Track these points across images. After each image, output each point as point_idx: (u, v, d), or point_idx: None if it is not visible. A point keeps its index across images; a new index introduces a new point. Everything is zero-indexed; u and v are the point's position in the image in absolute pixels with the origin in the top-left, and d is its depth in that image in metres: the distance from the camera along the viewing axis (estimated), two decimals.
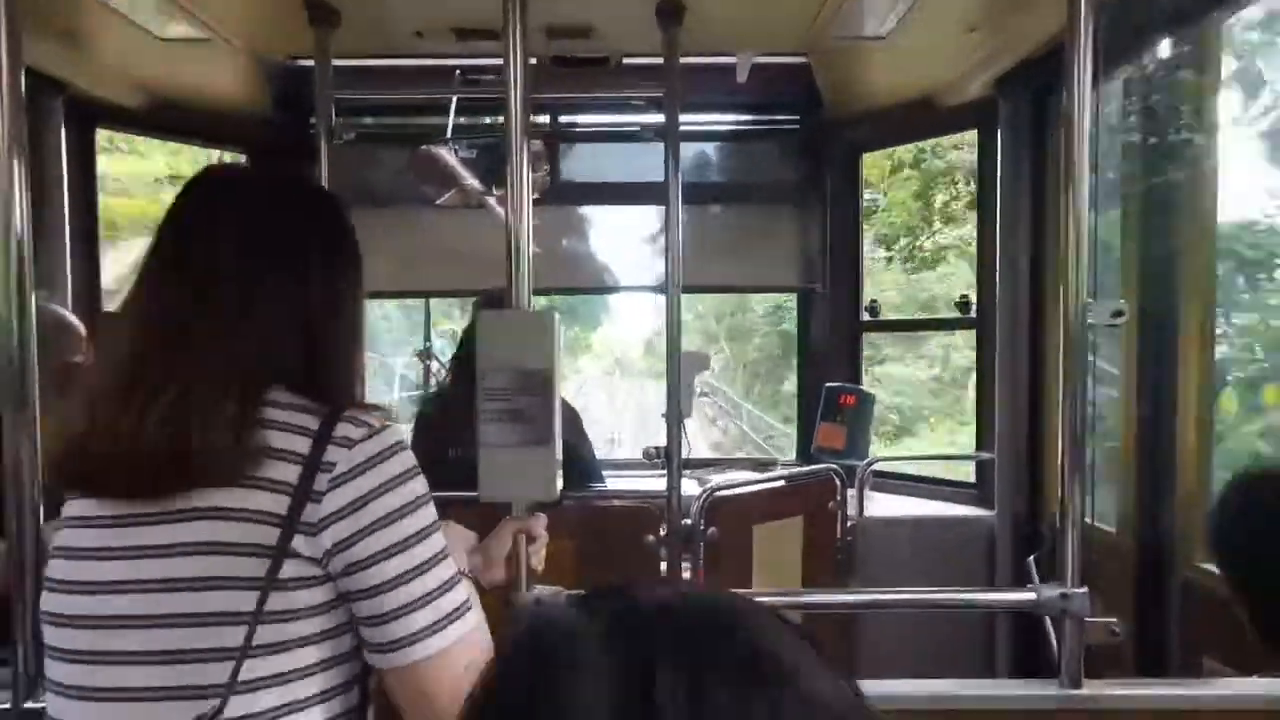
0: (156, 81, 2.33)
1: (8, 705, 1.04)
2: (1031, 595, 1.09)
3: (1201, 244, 1.57)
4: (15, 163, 1.03)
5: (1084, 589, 1.07)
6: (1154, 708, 1.06)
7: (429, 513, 0.74)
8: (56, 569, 0.73)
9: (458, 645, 0.73)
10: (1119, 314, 1.02)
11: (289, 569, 0.69)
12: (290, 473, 0.70)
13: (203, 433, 0.69)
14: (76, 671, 0.71)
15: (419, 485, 0.74)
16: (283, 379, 0.74)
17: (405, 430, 2.17)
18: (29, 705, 1.05)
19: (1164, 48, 1.63)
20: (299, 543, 0.69)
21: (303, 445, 0.71)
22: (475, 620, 0.75)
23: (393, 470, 0.72)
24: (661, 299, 1.73)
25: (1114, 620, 1.09)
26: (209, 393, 0.70)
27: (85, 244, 2.36)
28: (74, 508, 0.75)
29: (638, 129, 2.60)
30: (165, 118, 2.44)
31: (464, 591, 0.75)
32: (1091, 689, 1.07)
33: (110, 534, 0.71)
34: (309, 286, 0.77)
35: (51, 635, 0.73)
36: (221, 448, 0.69)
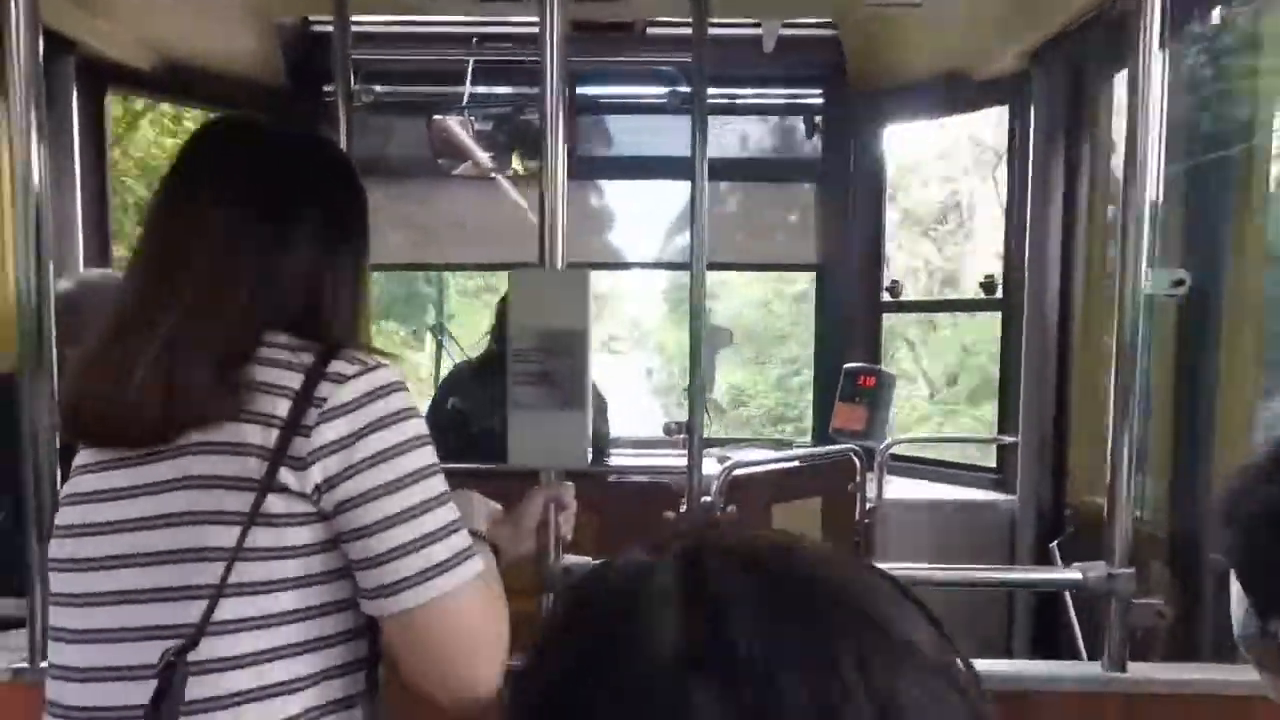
0: (169, 44, 2.28)
1: (24, 665, 1.02)
2: (1077, 575, 1.06)
3: (1254, 214, 1.52)
4: (33, 127, 1.01)
5: (1131, 569, 1.04)
6: (1202, 692, 1.03)
7: (426, 454, 0.71)
8: (61, 515, 0.73)
9: (457, 594, 0.69)
10: (1180, 283, 0.98)
11: (276, 504, 0.67)
12: (281, 406, 0.68)
13: (186, 373, 0.68)
14: (64, 615, 0.71)
15: (416, 426, 0.71)
16: (281, 325, 0.73)
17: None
18: (46, 665, 1.03)
19: (1215, 15, 1.57)
20: (287, 476, 0.67)
21: (296, 380, 0.69)
22: (478, 571, 0.71)
23: (388, 408, 0.70)
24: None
25: (1160, 601, 1.06)
26: (193, 336, 0.69)
27: (97, 207, 2.33)
28: (81, 456, 0.74)
29: (663, 100, 2.53)
30: (178, 81, 2.39)
31: (466, 538, 0.71)
32: (1136, 672, 1.04)
33: (107, 477, 0.71)
34: (301, 235, 0.75)
35: (54, 581, 0.73)
36: (204, 385, 0.68)
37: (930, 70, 2.34)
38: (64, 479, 0.77)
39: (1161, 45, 0.96)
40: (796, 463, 2.19)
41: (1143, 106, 0.98)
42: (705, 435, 1.88)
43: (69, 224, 2.19)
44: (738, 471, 1.91)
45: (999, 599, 2.21)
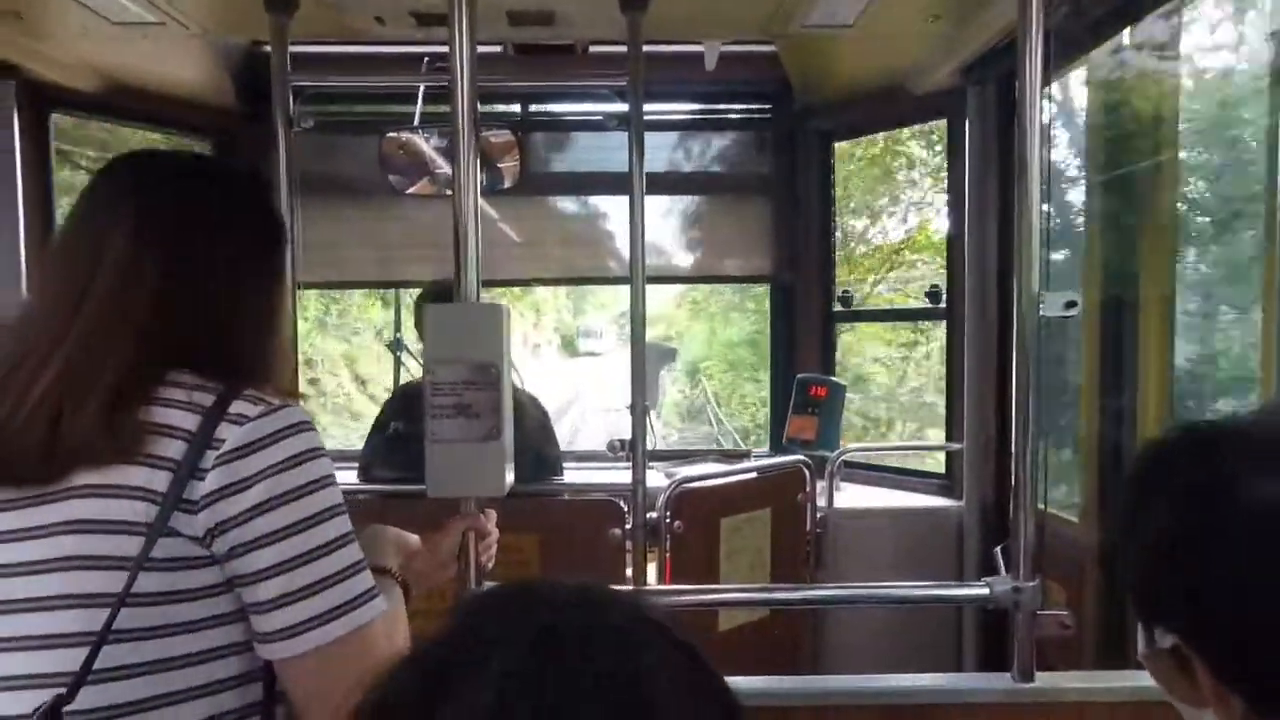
0: (113, 66, 2.27)
1: None
2: (985, 590, 1.09)
3: (1161, 232, 1.57)
4: None
5: (1035, 582, 1.07)
6: (1105, 700, 1.06)
7: (328, 496, 0.70)
8: None
9: (355, 637, 0.68)
10: (1071, 305, 1.02)
11: (168, 548, 0.66)
12: (174, 448, 0.67)
13: (74, 414, 0.66)
14: None
15: (318, 467, 0.70)
16: (187, 362, 0.72)
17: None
18: None
19: (1124, 36, 1.63)
20: (178, 520, 0.66)
21: (192, 422, 0.68)
22: (380, 612, 0.71)
23: (289, 450, 0.69)
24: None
25: (1065, 613, 1.09)
26: (86, 371, 0.68)
27: (42, 231, 2.30)
28: None
29: (602, 118, 2.57)
30: (124, 103, 2.38)
31: (368, 580, 0.71)
32: (1043, 681, 1.07)
33: None
34: (206, 268, 0.74)
35: None
36: (92, 428, 0.66)
37: (870, 85, 2.39)
38: None
39: (1045, 79, 1.00)
40: (747, 475, 2.21)
41: (1030, 134, 1.01)
42: (653, 449, 1.91)
43: (12, 245, 2.18)
44: (686, 485, 1.93)
45: (949, 611, 2.24)
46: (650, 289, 1.66)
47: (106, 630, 0.64)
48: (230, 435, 0.68)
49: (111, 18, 1.95)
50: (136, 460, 0.66)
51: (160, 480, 0.66)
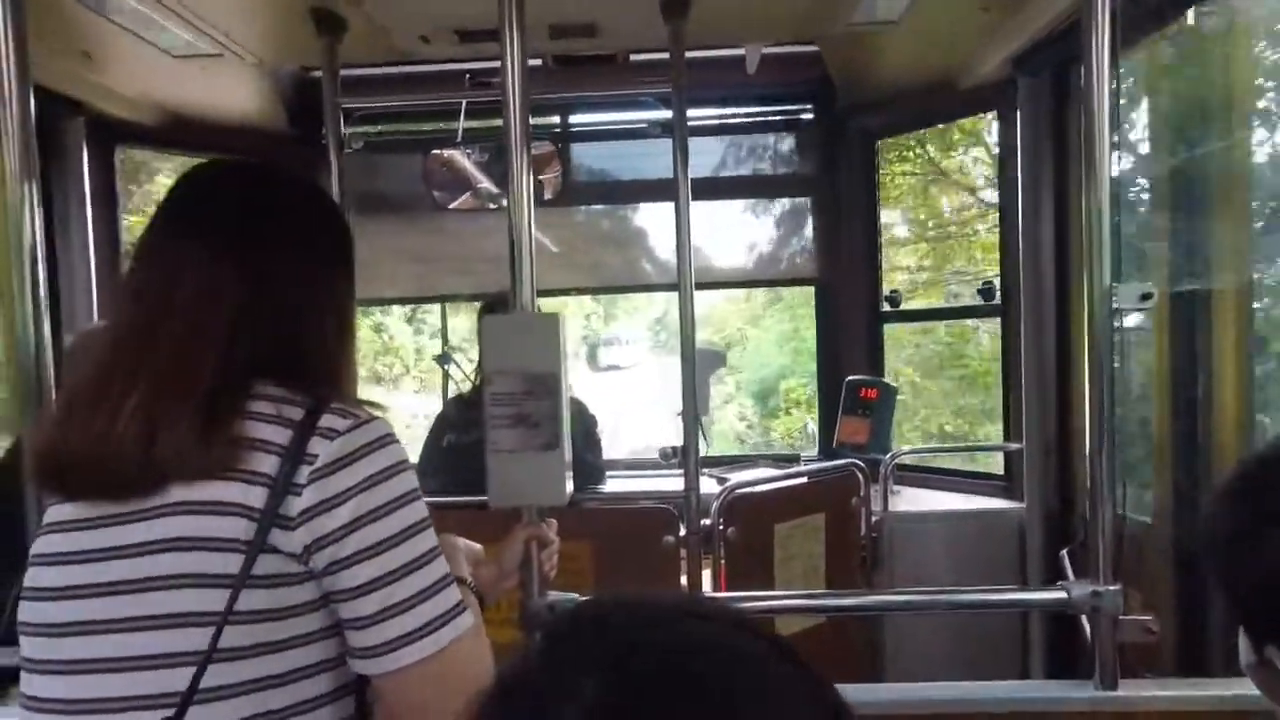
0: (173, 99, 2.37)
1: None
2: (1062, 594, 1.05)
3: (1234, 219, 1.50)
4: (27, 181, 1.04)
5: (1116, 586, 1.03)
6: (1192, 709, 1.01)
7: (418, 509, 0.70)
8: (33, 576, 0.70)
9: (449, 650, 0.69)
10: (1147, 297, 0.98)
11: (268, 565, 0.65)
12: (270, 464, 0.67)
13: (169, 429, 0.66)
14: (39, 682, 0.68)
15: (407, 480, 0.70)
16: (269, 373, 0.71)
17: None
18: None
19: (1189, 15, 1.56)
20: (277, 537, 0.66)
21: (284, 436, 0.68)
22: (469, 625, 0.71)
23: (379, 464, 0.68)
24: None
25: (1149, 618, 1.05)
26: (176, 385, 0.68)
27: (110, 261, 2.40)
28: (52, 513, 0.72)
29: (645, 125, 2.59)
30: (183, 134, 2.48)
31: (456, 594, 0.71)
32: (1127, 690, 1.03)
33: (84, 536, 0.68)
34: (283, 278, 0.74)
35: (25, 645, 0.70)
36: (188, 442, 0.66)
37: (916, 81, 2.35)
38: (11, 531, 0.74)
39: (1113, 62, 0.97)
40: (800, 480, 2.18)
41: (1098, 120, 0.98)
42: (703, 455, 1.89)
43: (83, 275, 2.28)
44: (738, 492, 1.91)
45: (1011, 615, 2.17)
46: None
47: (212, 649, 0.64)
48: (322, 450, 0.67)
49: (173, 52, 2.04)
50: (231, 476, 0.66)
51: (256, 496, 0.66)
